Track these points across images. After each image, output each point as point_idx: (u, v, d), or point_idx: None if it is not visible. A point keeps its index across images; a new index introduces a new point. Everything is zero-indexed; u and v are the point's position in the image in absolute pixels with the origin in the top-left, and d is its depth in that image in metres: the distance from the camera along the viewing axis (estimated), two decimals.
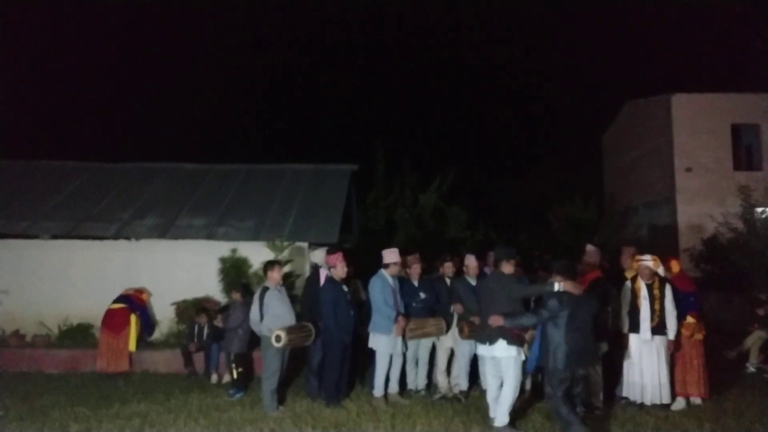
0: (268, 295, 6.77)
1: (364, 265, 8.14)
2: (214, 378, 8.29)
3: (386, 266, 7.10)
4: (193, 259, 9.95)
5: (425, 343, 7.32)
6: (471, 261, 7.26)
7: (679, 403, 6.69)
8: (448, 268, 7.58)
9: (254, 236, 9.94)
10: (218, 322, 8.50)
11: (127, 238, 10.08)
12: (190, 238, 10.02)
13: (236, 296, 8.13)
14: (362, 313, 7.09)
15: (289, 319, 6.81)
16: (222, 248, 9.84)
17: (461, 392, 7.10)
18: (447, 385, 7.22)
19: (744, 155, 18.03)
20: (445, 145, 26.75)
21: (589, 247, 7.37)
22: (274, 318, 6.65)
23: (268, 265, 7.04)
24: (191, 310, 9.29)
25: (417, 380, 7.40)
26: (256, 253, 9.38)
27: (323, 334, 6.96)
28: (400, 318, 6.87)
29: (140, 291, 9.49)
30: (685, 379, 6.75)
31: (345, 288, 7.02)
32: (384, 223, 14.98)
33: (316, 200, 11.24)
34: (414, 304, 7.22)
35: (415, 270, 7.44)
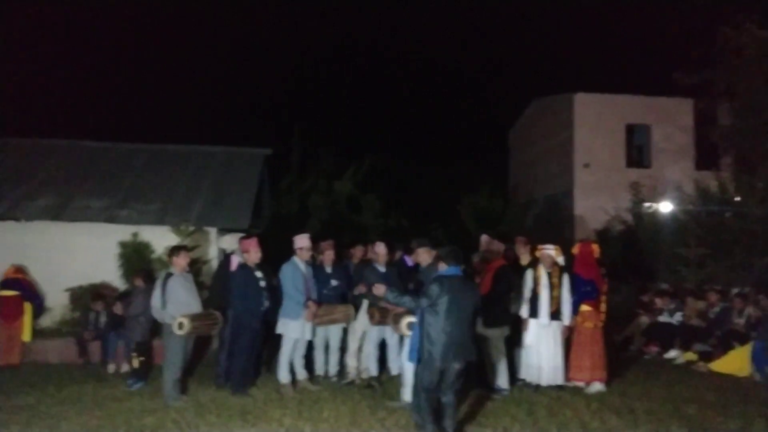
0: (172, 281, 6.54)
1: (276, 252, 8.04)
2: (112, 368, 7.91)
3: (297, 252, 7.07)
4: (91, 243, 9.38)
5: (335, 329, 7.36)
6: (380, 248, 7.36)
7: (596, 386, 7.04)
8: (359, 251, 7.91)
9: (158, 220, 9.53)
10: (117, 309, 8.11)
11: (16, 219, 9.35)
12: (88, 220, 9.45)
13: (138, 282, 7.76)
14: (274, 299, 7.01)
15: (194, 306, 6.61)
16: (123, 232, 9.35)
17: (372, 378, 7.20)
18: (356, 369, 7.30)
19: (636, 153, 19.39)
20: (360, 134, 26.80)
21: (484, 237, 7.65)
22: (177, 305, 6.43)
23: (174, 250, 6.81)
24: (87, 296, 8.78)
25: (327, 366, 7.43)
26: (160, 238, 9.01)
27: (233, 321, 6.83)
28: (310, 303, 6.87)
29: (19, 270, 8.81)
30: (582, 364, 7.15)
31: (258, 274, 6.91)
32: (298, 209, 14.84)
33: (226, 184, 10.90)
34: (325, 291, 7.25)
35: (328, 256, 7.46)
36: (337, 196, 15.25)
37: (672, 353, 9.11)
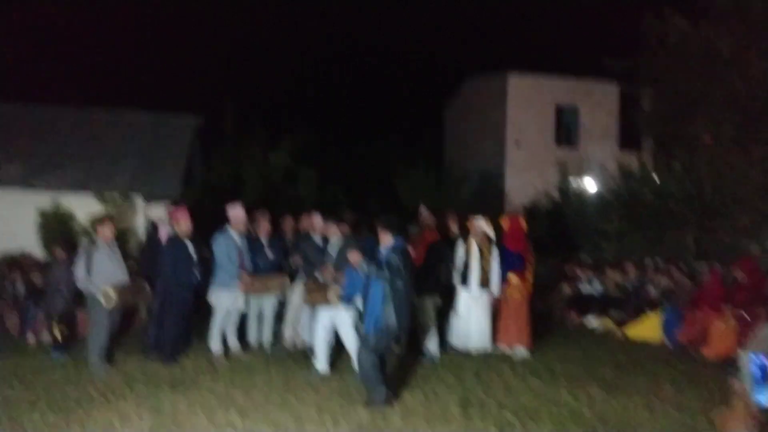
0: (97, 251, 6.31)
1: (208, 222, 7.87)
2: (31, 338, 7.57)
3: (231, 222, 6.97)
4: (6, 211, 8.86)
5: (269, 299, 7.33)
6: (317, 220, 7.35)
7: (521, 352, 7.37)
8: (288, 222, 7.96)
9: (81, 187, 9.10)
10: (36, 279, 7.73)
11: None
12: (3, 186, 8.90)
13: (58, 253, 7.40)
14: (205, 269, 6.89)
15: (121, 276, 6.41)
16: (42, 199, 8.89)
17: (307, 347, 7.23)
18: (292, 338, 7.32)
19: (564, 133, 20.13)
20: (294, 107, 26.35)
21: (422, 210, 7.81)
22: (103, 276, 6.22)
23: (98, 220, 6.56)
24: (3, 266, 8.32)
25: (261, 336, 7.41)
26: (84, 206, 8.63)
27: (162, 292, 6.67)
28: (244, 274, 6.81)
29: None
30: (509, 330, 7.47)
31: (189, 244, 6.76)
32: (231, 179, 14.50)
33: (155, 151, 10.54)
34: (260, 262, 7.19)
35: (263, 227, 7.39)
36: (272, 168, 15.01)
37: (591, 320, 9.64)
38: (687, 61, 12.78)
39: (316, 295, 6.35)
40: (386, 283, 5.21)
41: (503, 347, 7.44)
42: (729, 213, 11.12)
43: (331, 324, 6.15)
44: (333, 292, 6.01)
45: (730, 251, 10.45)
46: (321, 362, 6.15)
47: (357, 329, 5.56)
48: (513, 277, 7.49)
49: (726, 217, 11.17)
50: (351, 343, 5.97)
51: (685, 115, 13.13)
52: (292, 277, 7.34)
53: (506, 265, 7.48)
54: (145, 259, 7.25)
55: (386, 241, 5.48)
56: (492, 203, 16.97)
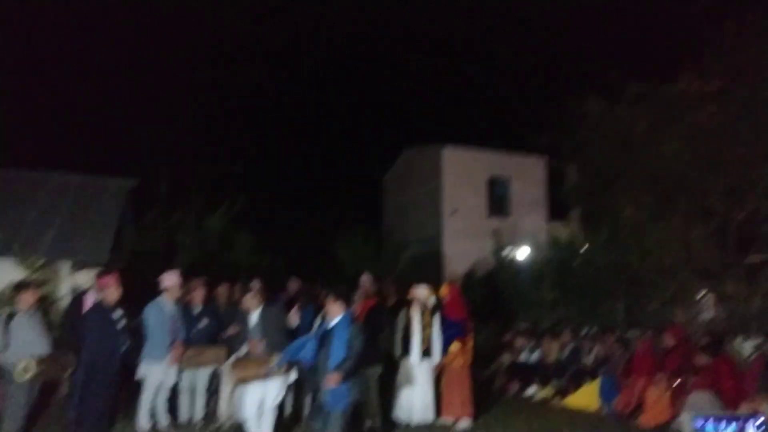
0: (16, 320, 5.88)
1: (138, 290, 7.49)
2: None
3: (165, 291, 6.68)
4: None
5: (203, 372, 6.97)
6: (256, 286, 7.16)
7: (464, 422, 7.24)
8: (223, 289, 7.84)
9: (2, 251, 8.52)
10: None
11: None
12: None
13: None
14: (134, 340, 6.49)
15: (42, 347, 5.95)
16: None
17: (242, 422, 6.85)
18: (230, 413, 6.91)
19: (497, 203, 20.86)
20: (232, 172, 26.15)
21: (364, 277, 7.79)
22: (23, 346, 5.76)
23: (21, 286, 6.14)
24: None
25: (193, 411, 6.97)
26: (4, 272, 8.05)
27: (86, 364, 6.21)
28: (177, 345, 6.49)
29: None
30: (452, 401, 7.37)
31: (116, 314, 6.38)
32: (164, 245, 13.97)
33: (83, 215, 10.06)
34: (195, 332, 6.92)
35: (197, 295, 7.13)
36: (207, 233, 14.61)
37: (531, 390, 9.70)
38: (605, 139, 13.69)
39: (250, 371, 5.99)
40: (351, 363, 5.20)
41: (447, 419, 7.32)
42: (654, 282, 11.67)
43: (260, 398, 5.85)
44: (266, 366, 5.73)
45: (658, 319, 10.91)
46: None
47: (318, 410, 5.35)
48: (455, 346, 7.48)
49: (652, 286, 11.71)
50: (270, 414, 5.76)
51: (607, 188, 13.92)
52: (229, 349, 7.02)
53: (447, 334, 7.47)
54: (68, 328, 6.78)
55: (335, 312, 5.39)
56: (430, 271, 17.14)
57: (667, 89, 12.61)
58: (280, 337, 5.93)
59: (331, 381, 5.22)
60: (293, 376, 6.04)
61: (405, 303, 7.65)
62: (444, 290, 7.83)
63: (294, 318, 6.16)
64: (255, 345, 6.23)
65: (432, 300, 7.63)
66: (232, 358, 6.56)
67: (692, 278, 11.40)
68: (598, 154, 14.03)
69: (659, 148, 12.64)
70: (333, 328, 5.35)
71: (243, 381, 5.96)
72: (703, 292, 11.73)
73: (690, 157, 12.05)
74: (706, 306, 11.64)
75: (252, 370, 5.84)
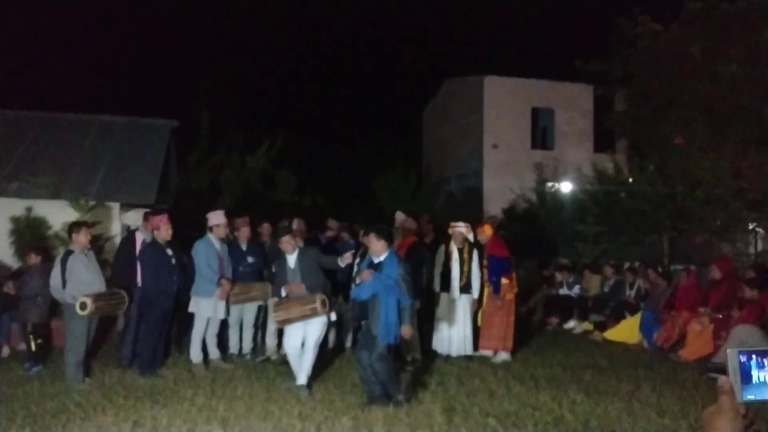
0: (72, 259, 6.15)
1: (185, 228, 7.76)
2: (6, 351, 7.37)
3: (211, 229, 6.89)
4: None
5: (250, 307, 7.26)
6: (300, 225, 7.32)
7: (503, 355, 7.39)
8: (266, 228, 7.86)
9: (54, 194, 8.89)
10: (9, 289, 7.53)
11: None
12: None
13: (34, 260, 7.23)
14: (184, 277, 6.79)
15: (98, 285, 6.27)
16: (14, 206, 8.66)
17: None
18: (275, 347, 7.24)
19: (540, 136, 20.34)
20: (271, 111, 26.18)
21: (398, 215, 7.80)
22: (79, 284, 6.07)
23: (74, 226, 6.41)
24: None
25: (241, 344, 7.32)
26: (57, 213, 8.43)
27: (141, 300, 6.56)
28: (224, 281, 6.73)
29: None
30: (491, 335, 7.47)
31: (169, 251, 6.65)
32: (208, 184, 14.31)
33: (129, 156, 10.31)
34: (241, 269, 7.13)
35: (243, 233, 7.32)
36: (249, 172, 14.85)
37: (570, 324, 9.75)
38: (657, 64, 12.99)
39: (292, 313, 5.92)
40: (399, 295, 5.26)
41: (485, 352, 7.47)
42: (702, 214, 11.33)
43: (302, 337, 5.92)
44: (308, 307, 5.85)
45: (704, 253, 10.65)
46: (301, 377, 5.88)
47: (366, 338, 5.49)
48: (504, 281, 7.49)
49: (700, 218, 11.38)
50: (311, 353, 5.85)
51: (657, 116, 13.34)
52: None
53: (496, 271, 7.47)
54: (119, 266, 7.10)
55: (380, 249, 5.46)
56: (471, 207, 17.07)
57: (726, 8, 11.75)
58: (318, 278, 6.04)
59: (406, 333, 5.38)
60: (333, 316, 6.18)
61: (444, 240, 7.68)
62: (485, 231, 7.75)
63: (347, 258, 6.14)
64: (296, 287, 6.34)
65: (471, 236, 7.63)
66: (274, 300, 6.61)
67: (742, 210, 10.98)
68: (648, 80, 13.37)
69: (715, 72, 11.96)
70: (380, 265, 5.46)
71: (285, 323, 6.02)
72: (753, 225, 11.33)
73: (748, 81, 11.35)
74: (755, 239, 11.28)
75: (294, 312, 5.91)
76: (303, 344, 5.88)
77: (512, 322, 7.51)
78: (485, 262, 7.51)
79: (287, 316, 5.91)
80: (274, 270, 7.14)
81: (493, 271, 7.43)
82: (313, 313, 5.77)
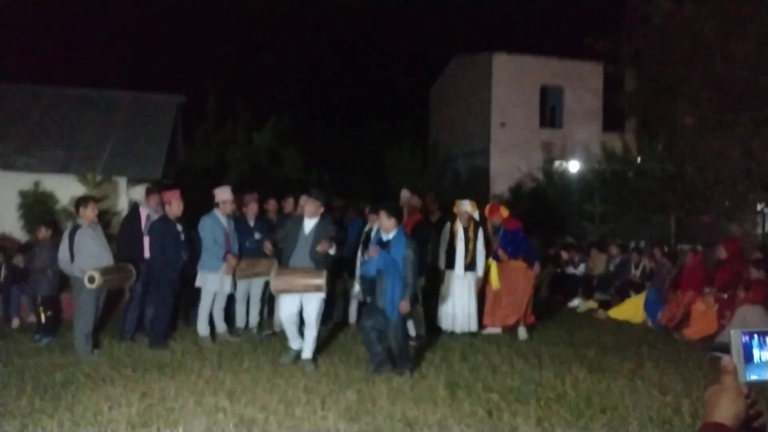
0: (80, 233, 6.21)
1: (189, 203, 7.79)
2: (16, 322, 7.49)
3: (218, 205, 6.93)
4: None
5: (257, 282, 7.32)
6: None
7: (522, 332, 7.44)
8: (272, 204, 7.86)
9: (62, 168, 8.94)
10: (18, 262, 7.62)
11: None
12: None
13: (44, 234, 7.30)
14: (192, 251, 6.85)
15: (105, 259, 6.33)
16: (23, 181, 8.72)
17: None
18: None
19: (549, 114, 20.16)
20: (278, 88, 26.01)
21: (404, 192, 7.80)
22: (87, 258, 6.14)
23: (81, 201, 6.45)
24: None
25: (248, 318, 7.40)
26: (64, 188, 8.48)
27: (147, 274, 6.64)
28: (230, 256, 6.78)
29: None
30: (501, 312, 7.52)
31: (179, 227, 6.71)
32: (214, 160, 14.33)
33: (136, 131, 10.32)
34: (248, 244, 7.18)
35: (251, 209, 7.36)
36: (256, 148, 14.84)
37: (575, 302, 9.78)
38: (669, 42, 12.78)
39: (294, 283, 5.89)
40: (405, 274, 5.39)
41: (492, 330, 7.52)
42: (710, 194, 11.26)
43: (299, 306, 5.93)
44: (308, 280, 5.83)
45: (711, 233, 10.61)
46: (294, 341, 6.00)
47: (372, 309, 5.63)
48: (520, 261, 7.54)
49: (707, 198, 11.32)
50: (314, 328, 5.92)
51: (667, 96, 13.17)
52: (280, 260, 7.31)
53: (519, 246, 7.53)
54: (124, 240, 7.16)
55: (390, 227, 5.50)
56: (477, 185, 17.03)
57: None
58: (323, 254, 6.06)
59: (404, 309, 5.47)
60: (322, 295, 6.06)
61: (449, 218, 7.69)
62: (501, 212, 7.75)
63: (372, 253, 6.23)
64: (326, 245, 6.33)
65: (476, 214, 7.63)
66: (275, 268, 6.57)
67: (751, 190, 10.90)
68: (659, 59, 13.17)
69: (728, 52, 11.76)
70: (389, 242, 5.51)
71: (283, 293, 6.04)
72: (761, 206, 11.25)
73: (761, 61, 11.17)
74: (763, 219, 11.21)
75: (296, 284, 5.89)
76: (299, 313, 5.94)
77: (529, 300, 7.57)
78: (498, 234, 7.52)
79: (287, 286, 5.90)
80: (280, 246, 7.18)
81: (508, 243, 7.43)
82: (317, 290, 5.81)
